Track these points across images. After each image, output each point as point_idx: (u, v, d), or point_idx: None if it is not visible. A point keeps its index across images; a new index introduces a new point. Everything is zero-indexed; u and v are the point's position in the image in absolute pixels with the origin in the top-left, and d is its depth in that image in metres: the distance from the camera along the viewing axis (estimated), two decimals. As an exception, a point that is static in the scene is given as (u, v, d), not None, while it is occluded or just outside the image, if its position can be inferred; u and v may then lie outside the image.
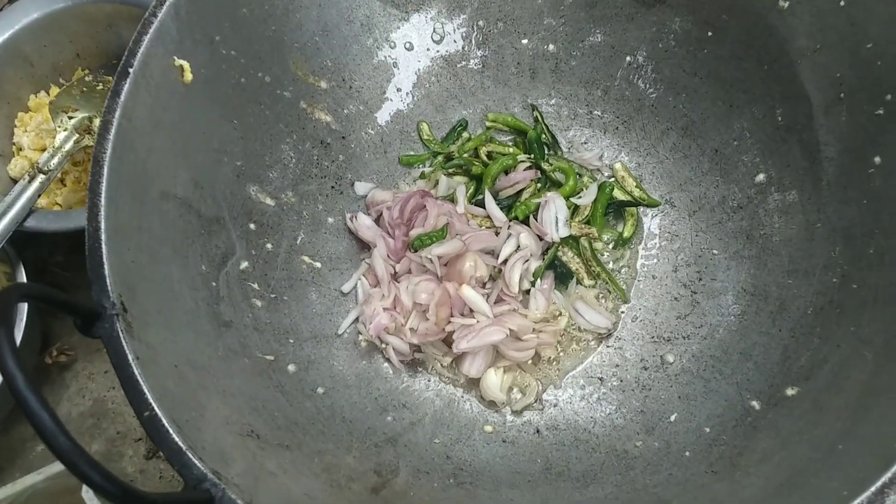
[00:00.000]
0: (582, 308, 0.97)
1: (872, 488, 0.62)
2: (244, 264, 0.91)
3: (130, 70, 0.76)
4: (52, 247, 1.20)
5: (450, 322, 0.92)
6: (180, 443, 0.63)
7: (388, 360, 0.96)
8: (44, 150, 1.13)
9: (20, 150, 1.16)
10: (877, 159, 0.82)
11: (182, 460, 0.63)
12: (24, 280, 1.03)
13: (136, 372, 0.65)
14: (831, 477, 0.68)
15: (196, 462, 0.63)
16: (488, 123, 1.10)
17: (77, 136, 1.09)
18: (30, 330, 1.03)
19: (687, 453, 0.85)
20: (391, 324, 0.94)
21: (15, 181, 1.13)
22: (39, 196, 1.03)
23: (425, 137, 1.09)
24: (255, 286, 0.91)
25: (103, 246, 0.69)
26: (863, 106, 0.84)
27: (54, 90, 1.20)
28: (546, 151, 1.07)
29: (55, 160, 1.06)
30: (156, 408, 0.64)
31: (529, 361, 0.96)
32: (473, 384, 0.96)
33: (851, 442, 0.70)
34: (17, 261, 1.04)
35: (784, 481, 0.72)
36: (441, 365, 0.96)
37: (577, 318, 0.98)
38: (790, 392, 0.82)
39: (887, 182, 0.81)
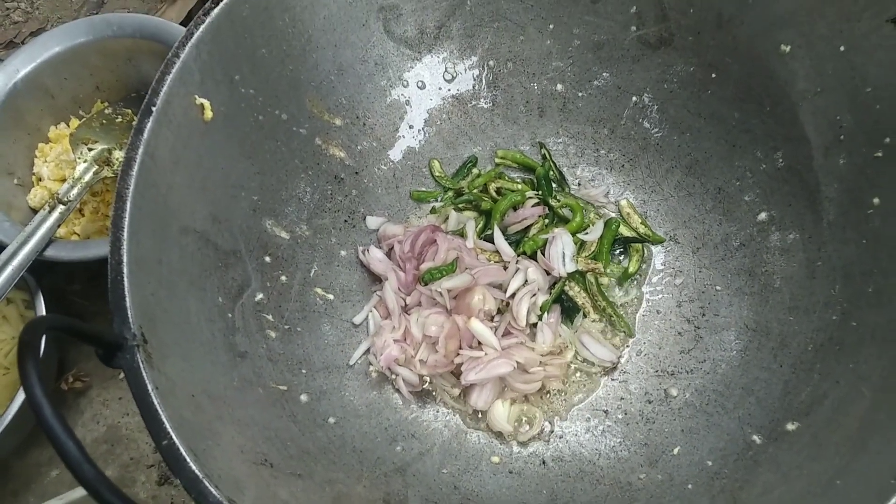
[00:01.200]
0: (588, 341, 0.99)
1: (868, 523, 0.64)
2: (259, 296, 0.93)
3: (153, 108, 0.78)
4: (70, 275, 1.22)
5: (458, 354, 0.94)
6: (197, 471, 0.64)
7: (397, 390, 0.97)
8: (63, 180, 1.15)
9: (40, 180, 1.18)
10: (875, 200, 0.84)
11: (199, 488, 0.64)
12: (44, 307, 1.05)
13: (155, 402, 0.66)
14: (829, 512, 0.70)
15: (212, 490, 0.64)
16: (497, 160, 1.12)
17: (96, 167, 1.11)
18: (47, 356, 1.05)
19: (689, 486, 0.86)
20: (401, 355, 0.96)
21: (35, 210, 1.15)
22: (59, 226, 1.05)
23: (436, 174, 1.11)
24: (270, 317, 0.93)
25: (125, 279, 0.70)
26: (862, 148, 0.86)
27: (74, 122, 1.23)
28: (554, 188, 1.08)
29: (75, 191, 1.08)
30: (174, 437, 0.65)
31: (536, 394, 0.97)
32: (481, 415, 0.97)
33: (849, 477, 0.71)
34: (36, 289, 1.06)
35: (784, 515, 0.74)
36: (449, 396, 0.97)
37: (583, 351, 0.99)
38: (791, 427, 0.83)
39: (886, 223, 0.83)
